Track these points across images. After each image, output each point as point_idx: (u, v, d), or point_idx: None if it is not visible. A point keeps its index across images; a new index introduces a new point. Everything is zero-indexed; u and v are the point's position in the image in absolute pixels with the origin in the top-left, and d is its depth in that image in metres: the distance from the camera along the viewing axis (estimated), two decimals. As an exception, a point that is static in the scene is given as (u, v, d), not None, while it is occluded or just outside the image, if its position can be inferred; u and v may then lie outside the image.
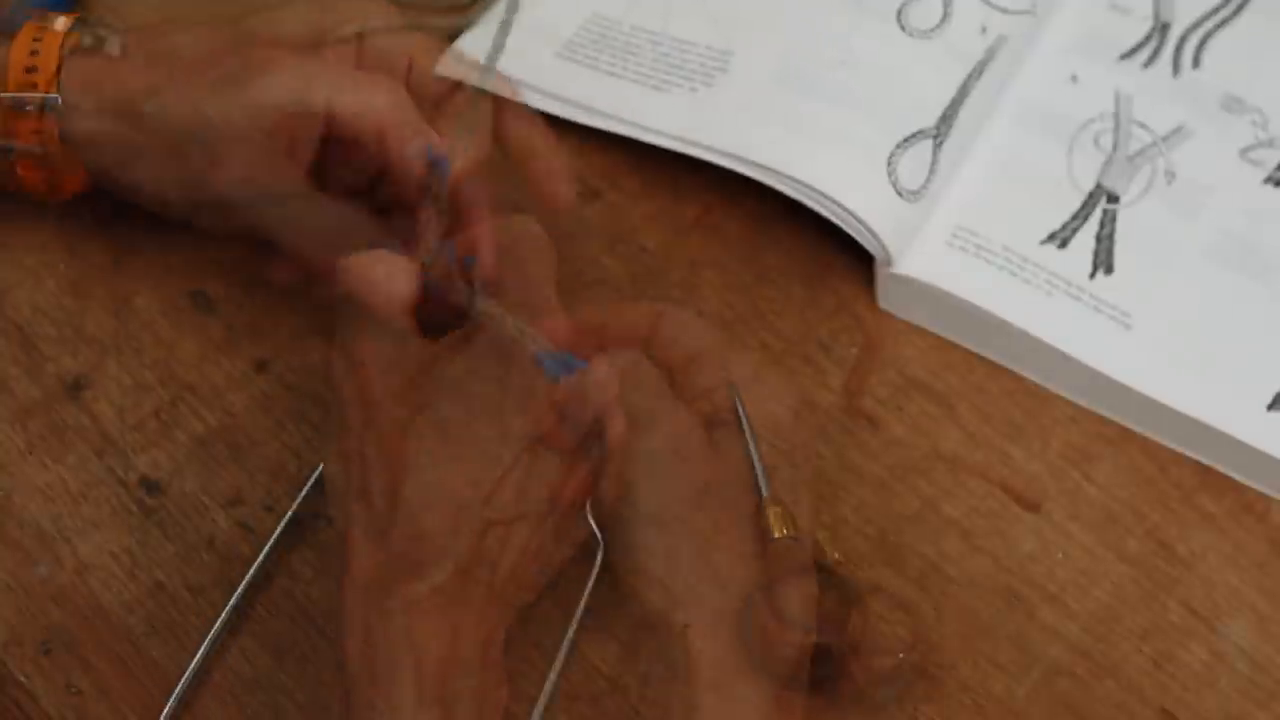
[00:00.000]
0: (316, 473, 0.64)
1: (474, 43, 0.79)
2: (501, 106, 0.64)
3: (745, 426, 0.67)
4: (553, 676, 0.61)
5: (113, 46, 0.67)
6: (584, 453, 0.58)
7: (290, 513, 0.63)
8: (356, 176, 0.65)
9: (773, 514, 0.64)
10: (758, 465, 0.65)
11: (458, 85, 0.67)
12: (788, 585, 0.59)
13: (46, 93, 0.64)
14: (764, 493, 0.65)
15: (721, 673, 0.55)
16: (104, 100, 0.64)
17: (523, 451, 0.56)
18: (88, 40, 0.66)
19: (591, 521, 0.60)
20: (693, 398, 0.59)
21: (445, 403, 0.55)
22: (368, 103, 0.62)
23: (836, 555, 0.63)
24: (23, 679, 0.61)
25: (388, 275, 0.56)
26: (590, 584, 0.61)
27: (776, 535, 0.63)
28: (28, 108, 0.64)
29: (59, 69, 0.64)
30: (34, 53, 0.64)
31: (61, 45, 0.64)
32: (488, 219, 0.62)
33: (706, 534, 0.57)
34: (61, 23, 0.66)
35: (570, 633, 0.61)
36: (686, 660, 0.55)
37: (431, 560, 0.54)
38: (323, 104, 0.62)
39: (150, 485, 0.66)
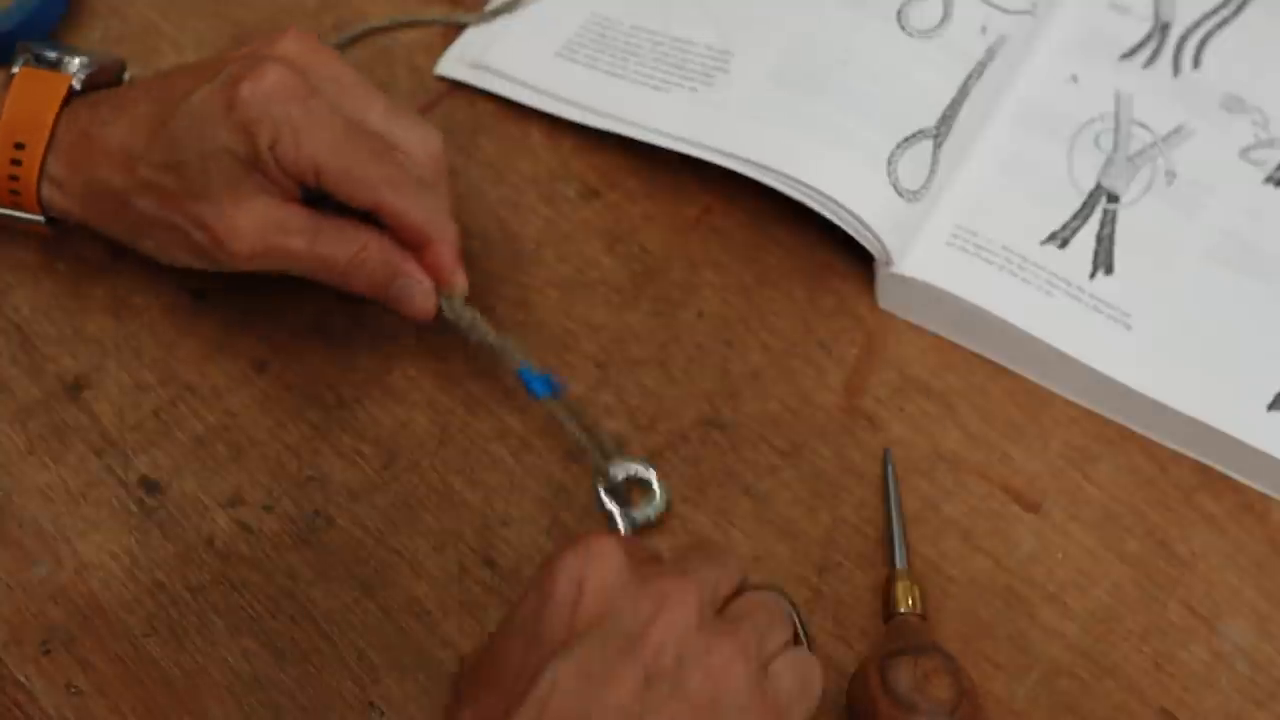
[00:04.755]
0: None
1: (472, 41, 0.79)
2: (403, 194, 0.63)
3: (892, 492, 0.66)
4: None
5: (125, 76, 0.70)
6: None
7: None
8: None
9: (901, 587, 0.62)
10: (897, 535, 0.65)
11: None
12: (902, 662, 0.58)
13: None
14: (898, 564, 0.64)
15: None
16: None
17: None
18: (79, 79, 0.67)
19: None
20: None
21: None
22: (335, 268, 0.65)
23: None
24: (23, 679, 0.61)
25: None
26: None
27: (901, 609, 0.62)
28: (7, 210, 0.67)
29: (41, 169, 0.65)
30: (19, 146, 0.65)
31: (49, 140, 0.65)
32: (448, 232, 0.64)
33: None
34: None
35: None
36: None
37: None
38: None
39: (150, 485, 0.66)
